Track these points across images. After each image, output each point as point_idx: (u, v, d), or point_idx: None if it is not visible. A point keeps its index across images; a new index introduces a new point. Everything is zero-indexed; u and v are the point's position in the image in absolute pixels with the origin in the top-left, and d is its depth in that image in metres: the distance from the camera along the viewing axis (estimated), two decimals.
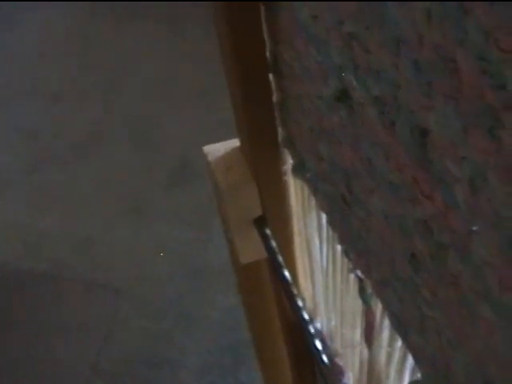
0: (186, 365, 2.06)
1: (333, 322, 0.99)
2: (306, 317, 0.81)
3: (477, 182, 0.39)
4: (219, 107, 2.58)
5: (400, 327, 0.63)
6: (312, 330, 0.80)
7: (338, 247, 0.79)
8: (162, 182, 2.59)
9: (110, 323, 2.19)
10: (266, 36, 0.72)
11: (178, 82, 2.97)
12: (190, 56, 3.02)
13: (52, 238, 2.46)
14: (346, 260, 0.76)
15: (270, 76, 0.76)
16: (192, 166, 2.58)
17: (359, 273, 0.71)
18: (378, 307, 0.72)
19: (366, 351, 0.83)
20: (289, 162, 0.85)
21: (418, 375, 0.64)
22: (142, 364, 2.08)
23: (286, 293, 0.83)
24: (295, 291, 0.82)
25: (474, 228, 0.41)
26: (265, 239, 0.87)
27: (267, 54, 0.74)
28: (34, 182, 2.67)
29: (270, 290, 1.04)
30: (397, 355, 0.71)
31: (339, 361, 1.02)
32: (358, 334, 0.85)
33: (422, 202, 0.47)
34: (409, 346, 0.63)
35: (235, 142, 0.89)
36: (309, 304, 1.09)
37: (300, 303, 0.82)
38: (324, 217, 0.81)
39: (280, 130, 0.82)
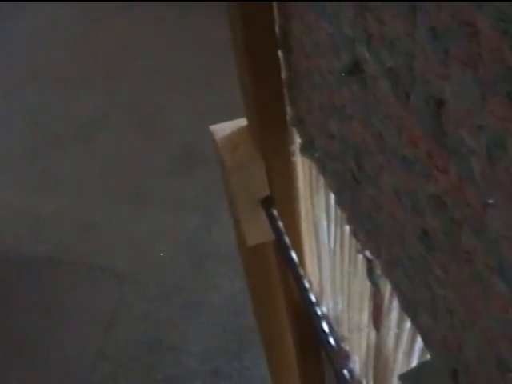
0: (190, 350, 2.06)
1: (339, 306, 0.98)
2: (313, 298, 0.80)
3: (495, 152, 0.38)
4: (223, 93, 2.57)
5: (409, 308, 0.62)
6: (319, 312, 0.79)
7: (347, 228, 0.78)
8: (165, 168, 2.58)
9: (114, 308, 2.19)
10: (275, 11, 0.71)
11: (181, 68, 2.96)
12: (192, 41, 3.01)
13: (54, 222, 2.45)
14: (354, 241, 0.75)
15: (279, 53, 0.75)
16: (195, 151, 2.57)
17: (368, 253, 0.70)
18: (386, 289, 0.71)
19: (373, 334, 0.82)
20: (297, 141, 0.84)
21: (427, 357, 0.63)
22: (147, 349, 2.08)
23: (293, 274, 0.82)
24: (302, 273, 0.81)
25: (490, 201, 0.40)
26: (272, 220, 0.86)
27: (276, 29, 0.72)
28: (36, 167, 2.67)
29: (276, 273, 1.03)
30: (405, 337, 0.70)
31: (345, 345, 1.01)
32: (365, 317, 0.84)
33: (436, 176, 0.46)
34: (418, 327, 0.62)
35: (242, 122, 0.88)
36: (315, 287, 1.08)
37: (307, 284, 0.80)
38: (332, 197, 0.80)
39: (289, 109, 0.81)
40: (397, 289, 0.63)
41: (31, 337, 2.14)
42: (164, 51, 3.06)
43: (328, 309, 1.05)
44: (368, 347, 0.88)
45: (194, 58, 2.93)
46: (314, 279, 1.07)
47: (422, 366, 0.62)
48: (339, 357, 0.92)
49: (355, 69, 0.54)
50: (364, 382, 0.96)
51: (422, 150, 0.47)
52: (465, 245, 0.45)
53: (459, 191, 0.43)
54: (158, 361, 2.05)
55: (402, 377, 0.59)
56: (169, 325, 2.13)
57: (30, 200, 2.54)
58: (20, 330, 2.17)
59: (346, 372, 0.75)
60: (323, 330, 0.77)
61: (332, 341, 0.77)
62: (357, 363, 0.97)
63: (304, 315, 0.98)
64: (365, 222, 0.66)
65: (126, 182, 2.55)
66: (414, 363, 0.70)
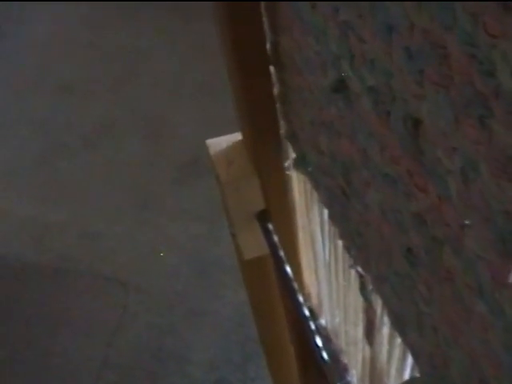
0: (194, 360, 2.06)
1: (337, 319, 0.98)
2: (307, 313, 0.80)
3: (469, 174, 0.38)
4: (230, 103, 2.57)
5: (398, 324, 0.62)
6: (312, 327, 0.78)
7: (340, 243, 0.78)
8: (171, 177, 2.58)
9: (119, 317, 2.19)
10: (266, 27, 0.71)
11: (190, 76, 2.96)
12: (203, 49, 3.01)
13: (59, 231, 2.46)
14: (347, 256, 0.75)
15: (271, 68, 0.75)
16: (202, 160, 2.57)
17: (360, 269, 0.70)
18: (378, 304, 0.71)
19: (368, 348, 0.82)
20: (291, 156, 0.84)
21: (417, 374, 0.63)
22: (151, 358, 2.08)
23: (287, 288, 0.82)
24: (296, 287, 0.81)
25: (467, 222, 0.40)
26: (267, 234, 0.86)
27: (267, 45, 0.72)
28: (41, 175, 2.67)
29: (274, 285, 1.03)
30: (397, 353, 0.70)
31: (343, 358, 1.01)
32: (360, 332, 0.84)
33: (417, 194, 0.46)
34: (407, 343, 0.62)
35: (237, 136, 0.88)
36: (314, 300, 1.08)
37: (301, 299, 0.80)
38: (326, 212, 0.80)
39: (282, 123, 0.81)
40: (386, 305, 0.63)
41: (35, 345, 2.15)
42: (173, 60, 3.07)
43: (326, 321, 1.05)
44: (364, 361, 0.87)
45: (203, 67, 2.93)
46: (313, 292, 1.07)
47: (410, 382, 0.62)
48: (337, 370, 0.92)
49: (340, 86, 0.54)
50: None
51: (402, 168, 0.47)
52: (446, 263, 0.45)
53: (438, 210, 0.43)
54: (162, 370, 2.05)
55: None
56: (173, 334, 2.13)
57: (34, 208, 2.55)
58: (24, 339, 2.17)
59: None
60: (316, 345, 0.77)
61: (326, 355, 0.77)
62: (354, 377, 0.97)
63: (302, 328, 0.98)
64: (355, 237, 0.66)
65: (131, 191, 2.56)
66: (405, 378, 0.69)
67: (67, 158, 2.73)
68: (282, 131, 0.81)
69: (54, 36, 3.34)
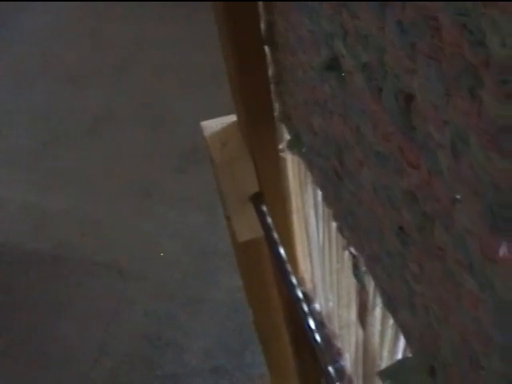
0: (191, 347, 2.06)
1: (330, 303, 0.98)
2: (300, 295, 0.80)
3: (458, 147, 0.37)
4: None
5: (390, 304, 0.62)
6: (306, 309, 0.78)
7: (334, 224, 0.78)
8: (171, 165, 2.58)
9: (116, 304, 2.19)
10: (260, 7, 0.71)
11: (191, 65, 2.95)
12: (202, 39, 3.00)
13: (59, 219, 2.46)
14: (340, 237, 0.75)
15: (266, 49, 0.75)
16: (202, 149, 2.56)
17: (353, 250, 0.70)
18: (371, 285, 0.71)
19: (360, 331, 0.82)
20: (285, 138, 0.84)
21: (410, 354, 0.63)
22: (148, 346, 2.08)
23: (281, 270, 0.82)
24: (289, 269, 0.81)
25: (457, 196, 0.40)
26: (261, 216, 0.85)
27: (262, 25, 0.72)
28: (43, 163, 2.67)
29: (268, 269, 1.03)
30: (389, 334, 0.70)
31: (337, 342, 1.01)
32: (353, 314, 0.84)
33: (408, 171, 0.46)
34: (399, 323, 0.61)
35: (232, 118, 0.87)
36: (308, 285, 1.08)
37: (294, 281, 0.80)
38: (320, 193, 0.80)
39: (276, 105, 0.80)
40: (378, 285, 0.63)
41: (33, 332, 2.15)
42: (174, 49, 3.06)
43: (320, 306, 1.05)
44: (357, 344, 0.87)
45: (204, 56, 2.92)
46: (307, 276, 1.07)
47: (401, 362, 0.62)
48: (329, 354, 0.92)
49: (334, 64, 0.54)
50: (355, 379, 0.96)
51: (394, 144, 0.47)
52: (437, 240, 0.45)
53: (429, 186, 0.43)
54: (159, 357, 2.05)
55: (381, 373, 0.59)
56: (170, 321, 2.13)
57: (36, 196, 2.55)
58: (22, 325, 2.17)
59: (332, 369, 0.75)
60: (309, 327, 0.77)
61: (318, 338, 0.77)
62: (347, 360, 0.97)
63: (295, 310, 0.98)
64: (348, 218, 0.66)
65: (132, 179, 2.56)
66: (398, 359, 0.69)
67: (68, 145, 2.72)
68: (276, 113, 0.81)
69: (55, 25, 3.33)
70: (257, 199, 0.86)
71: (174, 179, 2.53)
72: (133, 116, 2.80)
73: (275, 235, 0.84)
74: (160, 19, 3.22)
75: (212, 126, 0.88)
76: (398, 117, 0.44)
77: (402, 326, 0.61)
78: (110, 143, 2.71)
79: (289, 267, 0.81)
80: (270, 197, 0.87)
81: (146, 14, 3.26)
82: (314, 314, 0.96)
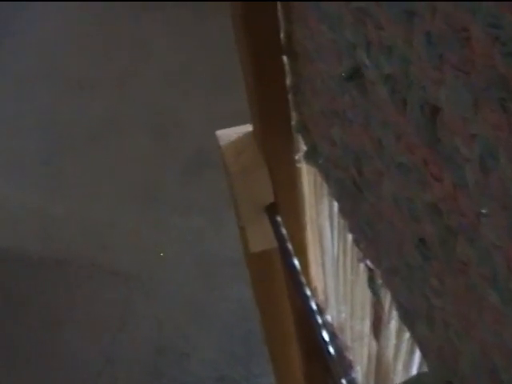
0: (197, 356, 2.05)
1: (343, 315, 0.98)
2: (314, 307, 0.79)
3: (487, 161, 0.37)
4: (237, 97, 2.55)
5: (407, 318, 0.61)
6: (320, 321, 0.78)
7: (349, 236, 0.78)
8: (176, 171, 2.58)
9: (122, 312, 2.18)
10: (280, 16, 0.71)
11: (196, 71, 2.95)
12: (208, 45, 3.00)
13: (64, 224, 2.45)
14: (356, 250, 0.74)
15: (284, 58, 0.74)
16: (207, 155, 2.56)
17: (369, 262, 0.69)
18: (386, 298, 0.70)
19: (374, 344, 0.81)
20: (301, 149, 0.83)
21: (425, 368, 0.62)
22: (154, 354, 2.07)
23: (295, 281, 0.82)
24: (304, 280, 0.81)
25: (484, 210, 0.39)
26: (275, 227, 0.85)
27: (281, 34, 0.72)
28: (48, 169, 2.67)
29: (281, 280, 1.03)
30: (404, 348, 0.70)
31: (349, 354, 1.00)
32: (366, 326, 0.83)
33: (432, 183, 0.45)
34: (416, 337, 0.61)
35: (248, 127, 0.87)
36: (320, 295, 1.07)
37: (308, 292, 0.80)
38: (336, 205, 0.79)
39: (293, 115, 0.80)
40: (395, 298, 0.63)
41: (38, 338, 2.14)
42: (179, 54, 3.06)
43: (332, 317, 1.04)
44: (369, 357, 0.87)
45: (209, 61, 2.93)
46: (320, 287, 1.06)
47: (418, 377, 0.61)
48: (342, 366, 0.91)
49: (355, 74, 0.53)
50: None
51: (418, 157, 0.46)
52: (460, 254, 0.45)
53: (454, 200, 0.43)
54: (165, 366, 2.04)
55: None
56: (176, 330, 2.12)
57: (40, 201, 2.54)
58: (27, 331, 2.17)
59: (344, 382, 0.74)
60: (323, 339, 0.76)
61: (332, 350, 0.76)
62: (359, 373, 0.96)
63: (308, 323, 0.98)
64: (365, 230, 0.66)
65: (137, 185, 2.55)
66: (413, 374, 0.69)
67: (72, 151, 2.72)
68: (293, 123, 0.81)
69: (60, 31, 3.34)
70: (271, 210, 0.86)
71: (177, 185, 2.53)
72: (138, 122, 2.80)
73: (289, 246, 0.84)
74: (165, 24, 3.21)
75: (227, 135, 0.87)
76: (424, 129, 0.43)
77: (419, 340, 0.60)
78: (115, 149, 2.71)
79: (303, 279, 0.80)
80: (284, 207, 0.87)
81: (151, 19, 3.26)
82: (326, 325, 0.96)
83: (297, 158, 0.86)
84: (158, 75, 2.98)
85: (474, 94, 0.36)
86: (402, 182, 0.51)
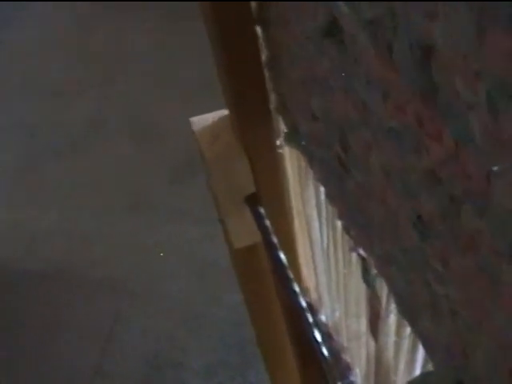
0: (191, 366, 1.97)
1: (337, 313, 0.90)
2: (304, 304, 0.71)
3: (498, 104, 0.29)
4: (222, 100, 2.48)
5: (407, 311, 0.54)
6: (310, 319, 0.70)
7: (339, 225, 0.70)
8: (164, 177, 2.50)
9: (112, 323, 2.10)
10: None
11: (179, 75, 2.88)
12: (192, 47, 2.93)
13: (50, 235, 2.38)
14: (347, 239, 0.67)
15: (257, 29, 0.67)
16: (196, 160, 2.47)
17: (361, 251, 0.62)
18: (383, 290, 0.63)
19: (372, 343, 0.74)
20: (282, 133, 0.76)
21: (430, 367, 0.55)
22: (146, 365, 1.99)
23: (281, 277, 0.74)
24: (291, 275, 0.73)
25: (495, 168, 0.32)
26: (258, 219, 0.77)
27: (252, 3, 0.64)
28: (31, 179, 2.60)
29: (269, 277, 0.95)
30: (406, 345, 0.62)
31: (346, 356, 0.93)
32: (363, 324, 0.76)
33: (429, 146, 0.38)
34: (418, 332, 0.53)
35: (224, 112, 0.80)
36: (313, 295, 0.99)
37: (297, 289, 0.72)
38: (322, 191, 0.72)
39: (272, 96, 0.73)
40: (393, 289, 0.55)
41: (27, 352, 2.06)
42: (162, 59, 3.00)
43: (326, 317, 0.97)
44: (368, 357, 0.79)
45: (193, 65, 2.86)
46: (311, 284, 0.99)
47: (424, 377, 0.54)
48: (337, 369, 0.84)
49: (333, 28, 0.46)
50: None
51: (410, 115, 0.39)
52: (466, 227, 0.37)
53: (456, 161, 0.35)
54: (158, 377, 1.96)
55: None
56: (168, 339, 2.04)
57: (25, 213, 2.47)
58: (16, 346, 2.09)
59: None
60: (315, 339, 0.69)
61: (326, 351, 0.69)
62: (358, 376, 0.89)
63: (299, 321, 0.90)
64: (355, 214, 0.58)
65: (124, 193, 2.48)
66: (416, 374, 0.61)
67: (55, 160, 2.65)
68: (272, 103, 0.73)
69: (40, 39, 3.28)
70: (253, 200, 0.78)
71: (165, 192, 2.45)
72: (122, 129, 2.73)
73: (274, 239, 0.76)
74: (146, 31, 3.16)
75: (202, 120, 0.80)
76: (416, 77, 0.36)
77: (422, 336, 0.53)
78: (100, 157, 2.64)
79: (290, 274, 0.73)
80: (267, 197, 0.79)
81: (130, 25, 3.21)
82: (319, 325, 0.88)
83: (278, 143, 0.78)
84: (140, 82, 2.92)
85: (479, 21, 0.28)
86: (393, 151, 0.44)
